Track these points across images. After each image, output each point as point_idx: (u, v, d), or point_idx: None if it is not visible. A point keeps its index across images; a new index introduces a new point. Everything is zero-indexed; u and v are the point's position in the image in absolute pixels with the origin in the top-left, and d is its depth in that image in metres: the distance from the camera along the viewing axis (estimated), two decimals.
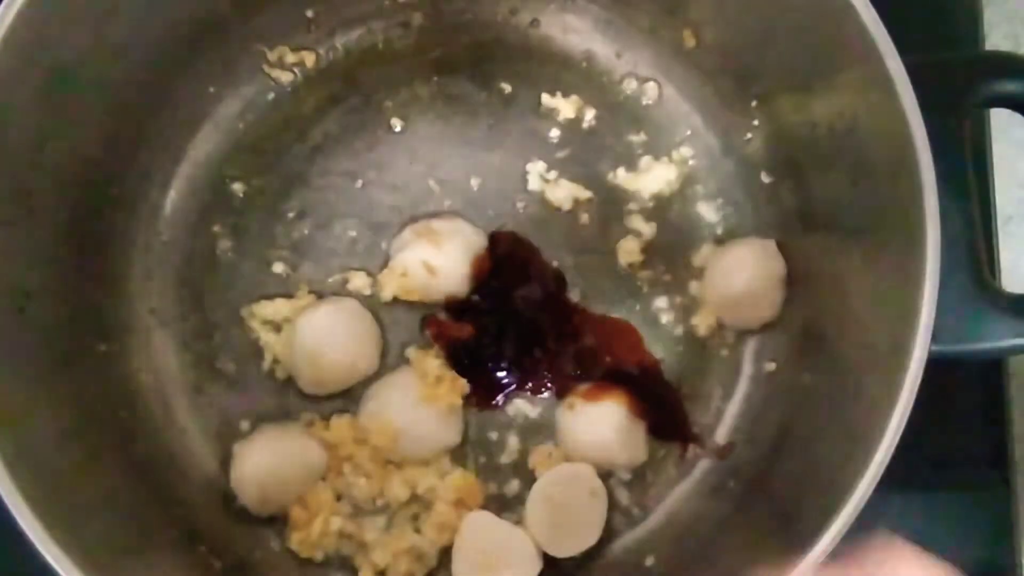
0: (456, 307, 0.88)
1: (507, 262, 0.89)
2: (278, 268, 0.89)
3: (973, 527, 0.89)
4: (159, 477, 0.83)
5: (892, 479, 0.66)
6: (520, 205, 0.90)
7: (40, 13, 0.69)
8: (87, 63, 0.76)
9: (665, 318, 0.89)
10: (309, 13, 0.90)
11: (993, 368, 0.93)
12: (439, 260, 0.86)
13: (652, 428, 0.86)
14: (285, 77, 0.91)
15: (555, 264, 0.89)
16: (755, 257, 0.85)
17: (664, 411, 0.87)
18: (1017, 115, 0.75)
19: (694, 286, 0.89)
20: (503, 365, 0.87)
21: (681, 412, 0.87)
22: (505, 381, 0.87)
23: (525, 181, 0.90)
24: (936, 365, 0.66)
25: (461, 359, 0.87)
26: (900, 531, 0.86)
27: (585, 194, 0.90)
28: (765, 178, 0.87)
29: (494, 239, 0.89)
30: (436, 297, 0.87)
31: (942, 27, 0.98)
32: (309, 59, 0.91)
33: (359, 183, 0.90)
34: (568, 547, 0.82)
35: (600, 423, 0.84)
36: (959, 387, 0.91)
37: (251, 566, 0.83)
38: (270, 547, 0.84)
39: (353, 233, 0.89)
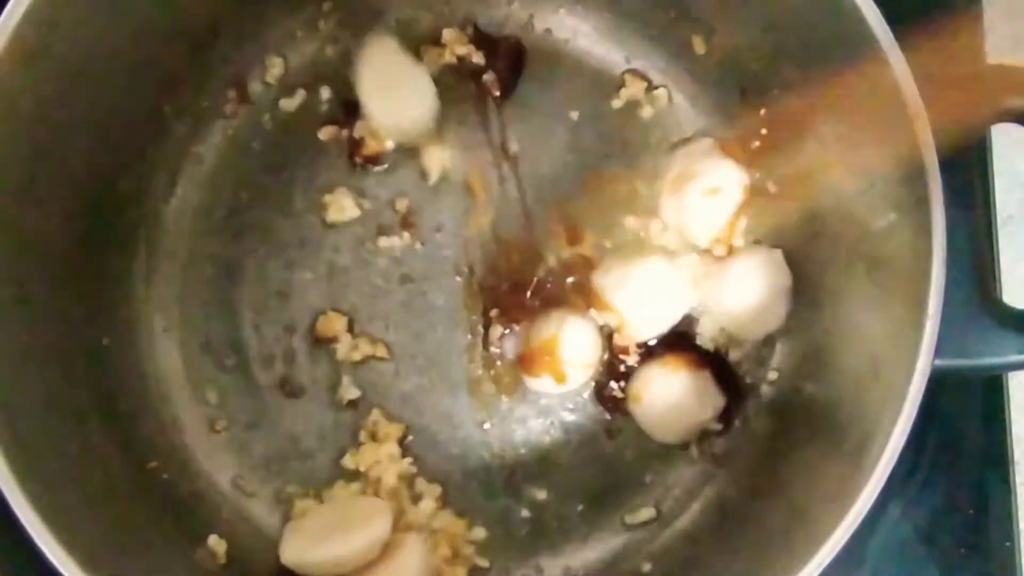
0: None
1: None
2: (280, 265, 0.90)
3: (973, 528, 0.90)
4: (159, 472, 0.84)
5: (892, 480, 0.66)
6: (529, 200, 0.91)
7: (47, 8, 0.69)
8: (94, 60, 0.76)
9: None
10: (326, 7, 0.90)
11: None
12: None
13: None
14: (292, 76, 0.91)
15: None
16: (761, 267, 0.85)
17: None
18: None
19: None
20: None
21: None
22: None
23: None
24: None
25: None
26: (901, 532, 0.89)
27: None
28: (772, 187, 0.87)
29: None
30: None
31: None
32: (317, 57, 0.92)
33: (368, 183, 0.90)
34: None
35: (670, 393, 0.85)
36: (959, 388, 0.92)
37: (250, 565, 0.84)
38: (269, 545, 0.85)
39: (358, 229, 0.90)
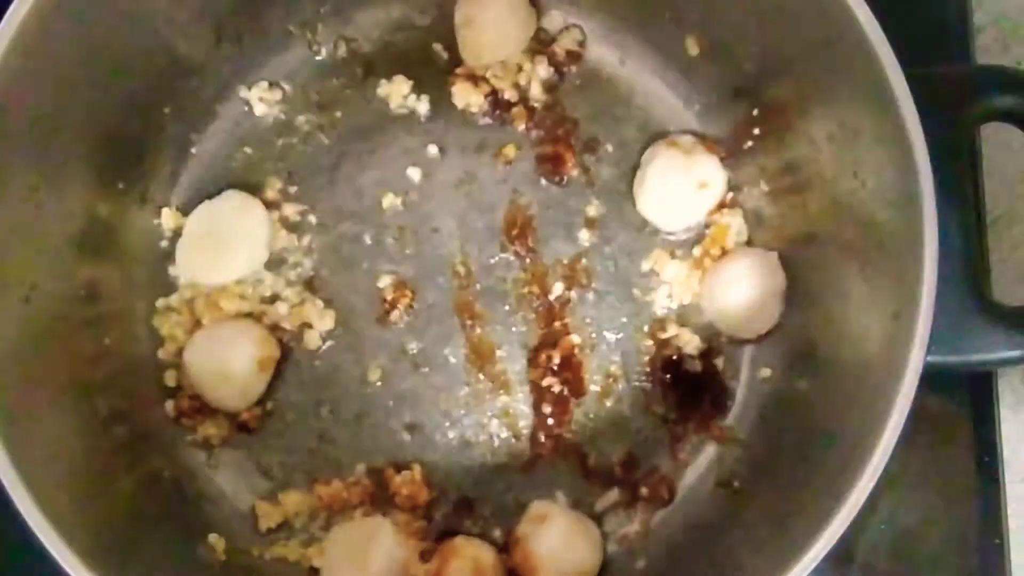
0: None
1: None
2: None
3: (963, 525, 0.90)
4: (161, 471, 0.84)
5: (883, 477, 0.67)
6: (523, 201, 0.91)
7: (46, 12, 0.70)
8: (92, 63, 0.77)
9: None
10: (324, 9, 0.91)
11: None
12: None
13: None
14: (292, 77, 0.92)
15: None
16: (756, 269, 0.85)
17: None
18: None
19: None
20: None
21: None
22: None
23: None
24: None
25: None
26: (891, 529, 0.89)
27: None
28: (764, 187, 0.88)
29: None
30: None
31: (931, 29, 0.98)
32: (316, 58, 0.92)
33: (365, 182, 0.91)
34: None
35: None
36: (949, 386, 0.92)
37: (250, 564, 0.84)
38: (268, 544, 0.85)
39: (366, 237, 0.90)
